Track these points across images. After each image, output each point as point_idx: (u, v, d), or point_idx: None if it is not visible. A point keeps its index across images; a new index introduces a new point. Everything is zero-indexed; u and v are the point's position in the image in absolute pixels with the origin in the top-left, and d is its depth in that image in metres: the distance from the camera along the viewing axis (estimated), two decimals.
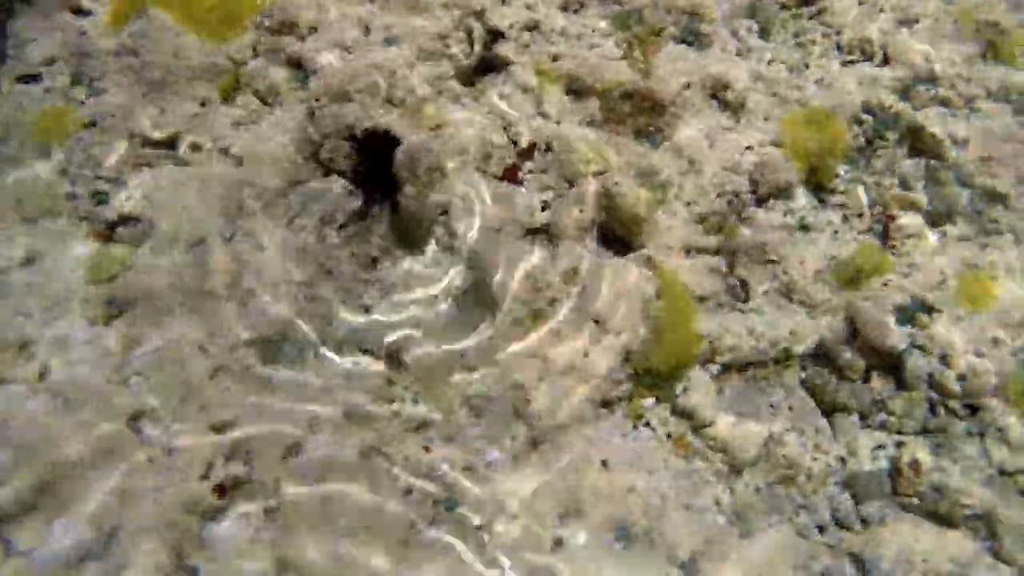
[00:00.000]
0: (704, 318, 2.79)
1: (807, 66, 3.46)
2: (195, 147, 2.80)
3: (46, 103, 2.83)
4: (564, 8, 3.33)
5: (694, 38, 3.35)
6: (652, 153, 3.03)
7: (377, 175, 2.86)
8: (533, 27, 3.17)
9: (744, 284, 3.00)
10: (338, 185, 2.87)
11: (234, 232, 2.75)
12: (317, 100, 2.89)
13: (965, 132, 3.31)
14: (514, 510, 2.35)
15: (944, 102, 3.36)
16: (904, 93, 3.36)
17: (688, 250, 2.88)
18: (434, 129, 2.89)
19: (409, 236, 2.85)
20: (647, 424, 2.70)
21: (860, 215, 3.19)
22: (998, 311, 2.96)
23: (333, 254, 2.81)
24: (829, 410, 2.92)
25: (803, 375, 2.96)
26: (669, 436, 2.68)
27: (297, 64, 3.00)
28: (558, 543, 2.32)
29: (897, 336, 2.90)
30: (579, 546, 2.29)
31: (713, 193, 2.99)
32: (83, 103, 2.88)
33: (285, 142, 2.86)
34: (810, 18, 3.60)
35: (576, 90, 3.07)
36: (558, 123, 2.99)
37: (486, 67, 3.12)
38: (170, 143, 2.81)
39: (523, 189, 2.87)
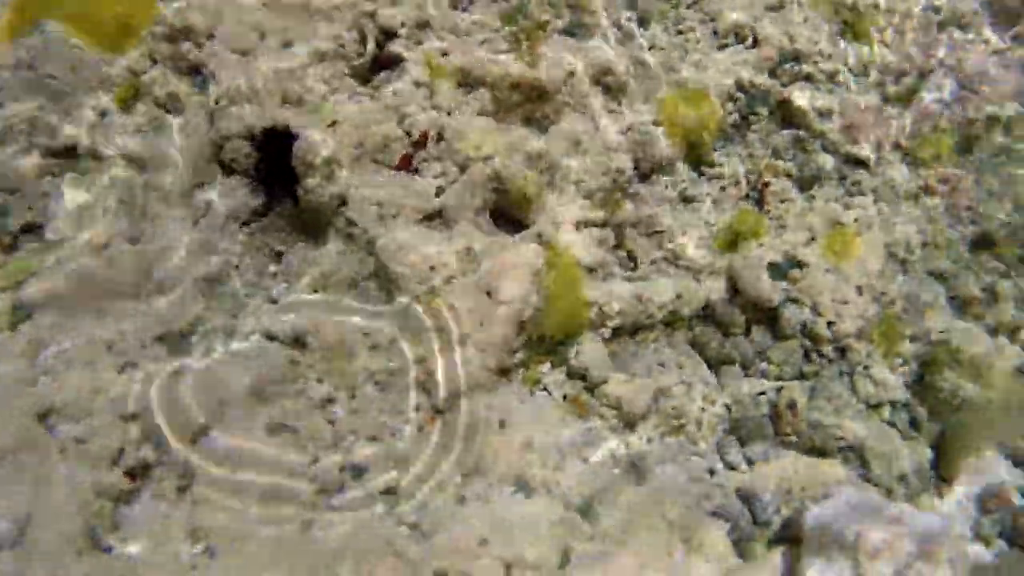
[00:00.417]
0: (594, 287, 3.00)
1: (686, 51, 3.71)
2: (96, 155, 2.91)
3: None
4: (454, 6, 3.51)
5: (577, 29, 3.57)
6: (540, 138, 3.23)
7: (278, 172, 3.00)
8: (424, 25, 3.35)
9: (632, 254, 3.23)
10: (240, 184, 3.00)
11: (140, 234, 2.87)
12: (217, 103, 3.02)
13: (828, 104, 3.59)
14: (419, 474, 2.52)
15: (808, 78, 3.64)
16: (772, 72, 3.63)
17: (577, 225, 3.09)
18: (331, 125, 3.04)
19: (311, 228, 3.00)
20: (544, 388, 2.90)
21: (736, 184, 3.45)
22: (860, 263, 3.23)
23: (238, 250, 2.95)
24: (715, 363, 3.16)
25: (691, 334, 3.19)
26: (565, 397, 2.88)
27: (195, 70, 3.12)
28: (461, 500, 2.49)
29: (773, 291, 3.16)
30: (481, 499, 2.47)
31: (598, 172, 3.20)
32: None
33: (187, 145, 2.99)
34: (688, 7, 3.85)
35: (467, 83, 3.25)
36: (450, 114, 3.17)
37: (380, 65, 3.28)
38: (71, 153, 2.91)
39: (418, 177, 3.04)
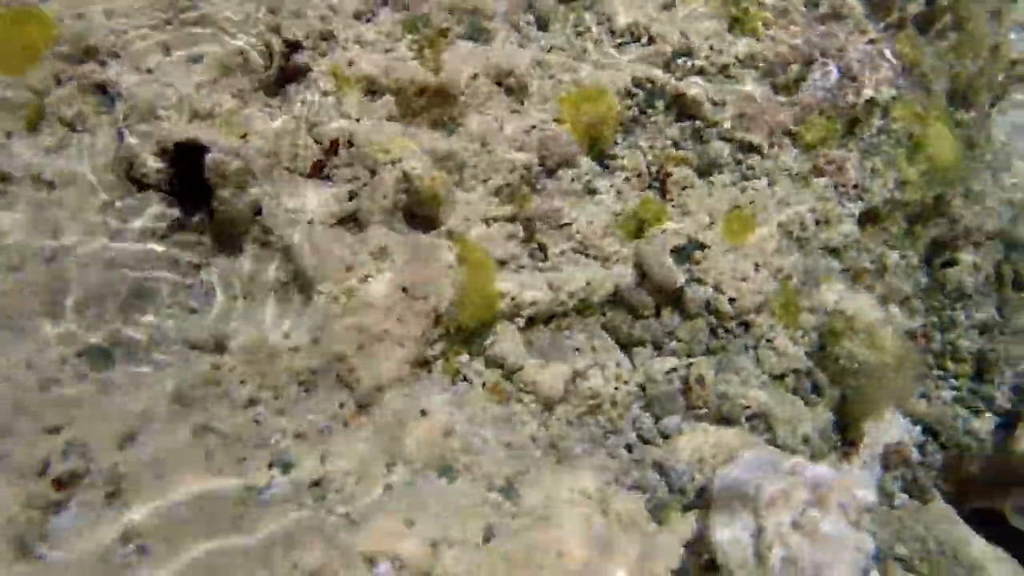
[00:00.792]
0: (506, 278, 3.14)
1: (585, 51, 3.89)
2: (5, 178, 2.92)
3: None
4: (357, 17, 3.62)
5: (478, 34, 3.71)
6: (447, 139, 3.36)
7: (191, 186, 3.06)
8: (328, 36, 3.45)
9: (542, 246, 3.37)
10: (154, 199, 3.04)
11: (54, 254, 2.89)
12: (125, 120, 3.06)
13: (721, 96, 3.81)
14: (345, 467, 2.61)
15: (701, 72, 3.86)
16: (667, 67, 3.84)
17: (487, 221, 3.22)
18: (242, 137, 3.11)
19: (228, 239, 3.06)
20: (464, 378, 3.01)
21: (639, 175, 3.63)
22: (758, 242, 3.45)
23: (156, 264, 2.99)
24: (627, 345, 3.32)
25: (603, 320, 3.35)
26: (485, 385, 3.00)
27: (102, 89, 3.15)
28: (388, 488, 2.59)
29: (677, 274, 3.34)
30: (406, 486, 2.57)
31: (505, 169, 3.34)
32: None
33: (97, 164, 3.02)
34: (585, 9, 4.04)
35: (373, 90, 3.35)
36: (358, 121, 3.28)
37: (287, 77, 3.36)
38: None
39: (330, 183, 3.13)
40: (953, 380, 4.46)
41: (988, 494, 3.81)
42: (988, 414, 4.34)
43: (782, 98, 3.95)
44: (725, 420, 3.21)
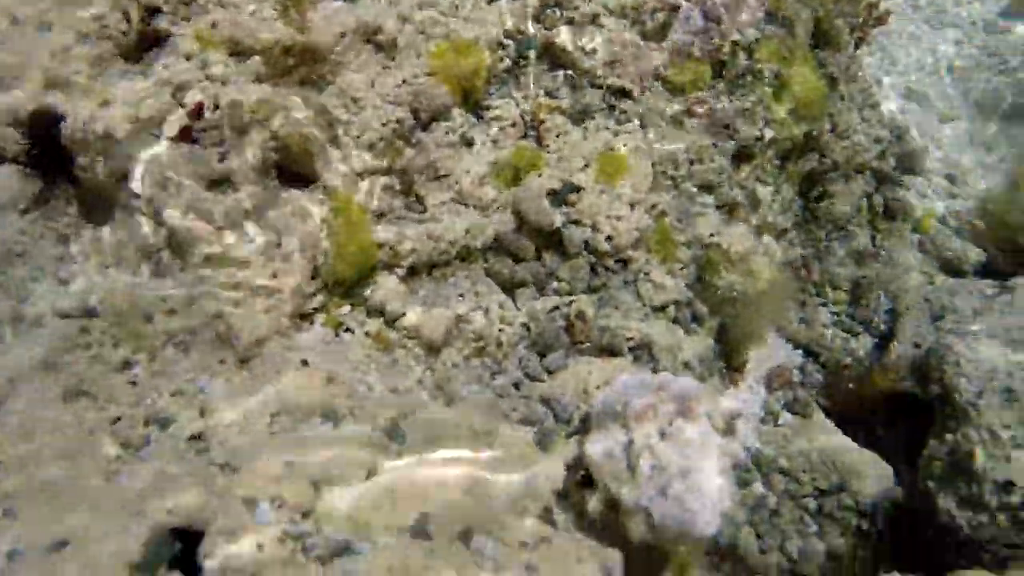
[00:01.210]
0: (383, 230, 3.18)
1: (456, 6, 3.93)
2: None
3: None
4: None
5: None
6: (318, 97, 3.36)
7: (52, 156, 2.99)
8: (189, 0, 3.40)
9: (420, 198, 3.42)
10: (13, 172, 2.97)
11: None
12: None
13: (592, 44, 3.90)
14: (228, 419, 2.63)
15: (571, 21, 3.94)
16: (537, 18, 3.91)
17: (361, 175, 3.25)
18: (103, 104, 3.06)
19: (95, 207, 3.02)
20: (347, 328, 3.05)
21: (514, 125, 3.70)
22: (632, 181, 3.56)
23: (20, 239, 2.93)
24: (510, 288, 3.41)
25: (485, 266, 3.43)
26: (368, 334, 3.04)
27: None
28: (271, 436, 2.62)
29: (554, 216, 3.43)
30: (289, 432, 2.60)
31: (378, 124, 3.37)
32: None
33: None
34: None
35: (238, 52, 3.33)
36: (224, 83, 3.25)
37: (149, 43, 3.31)
38: None
39: (199, 146, 3.11)
40: (832, 306, 4.70)
41: (863, 404, 4.06)
42: (865, 335, 4.60)
43: (651, 44, 4.06)
44: (608, 352, 3.32)
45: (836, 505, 3.71)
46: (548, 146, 3.69)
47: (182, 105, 3.13)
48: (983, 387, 3.53)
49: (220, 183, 3.12)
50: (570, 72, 3.86)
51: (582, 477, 2.51)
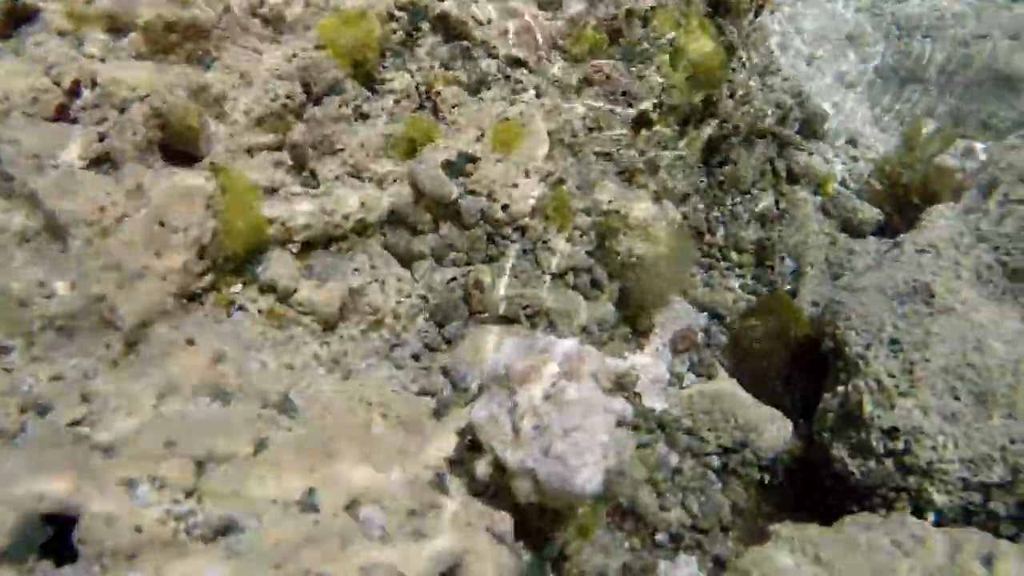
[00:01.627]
0: (275, 205, 3.14)
1: None
2: None
3: None
4: None
5: None
6: (204, 74, 3.29)
7: None
8: None
9: (314, 172, 3.39)
10: None
11: None
12: None
13: (486, 14, 3.89)
14: (112, 404, 2.58)
15: None
16: None
17: (250, 150, 3.20)
18: None
19: None
20: (240, 307, 3.02)
21: (409, 96, 3.68)
22: (527, 150, 3.58)
23: None
24: (408, 260, 3.41)
25: (383, 239, 3.42)
26: (261, 312, 3.02)
27: None
28: (156, 417, 2.58)
29: (450, 187, 3.43)
30: (174, 413, 2.57)
31: (267, 99, 3.32)
32: None
33: None
34: None
35: (117, 28, 3.24)
36: (103, 60, 3.16)
37: (18, 20, 3.19)
38: None
39: (76, 126, 3.02)
40: (738, 269, 4.82)
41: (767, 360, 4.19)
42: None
43: (547, 14, 4.07)
44: (506, 320, 3.35)
45: (740, 461, 3.84)
46: (444, 117, 3.69)
47: (57, 83, 3.04)
48: (871, 340, 3.67)
49: (100, 162, 3.04)
50: (465, 43, 3.85)
51: (469, 442, 2.54)
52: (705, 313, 4.41)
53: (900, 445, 3.40)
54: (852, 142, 5.68)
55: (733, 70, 4.75)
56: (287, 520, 2.32)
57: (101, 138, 3.03)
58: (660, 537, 3.40)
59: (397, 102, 3.64)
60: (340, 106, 3.49)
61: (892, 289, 3.89)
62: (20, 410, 2.46)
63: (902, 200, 4.97)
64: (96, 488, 2.19)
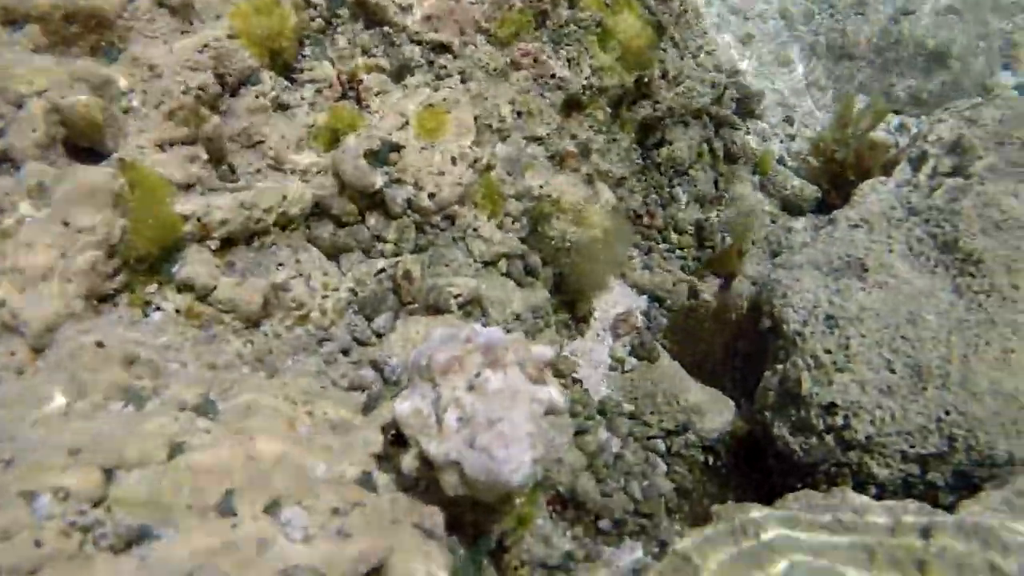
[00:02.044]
0: (189, 200, 3.02)
1: None
2: None
3: None
4: None
5: None
6: (109, 66, 3.15)
7: None
8: None
9: (232, 167, 3.27)
10: None
11: None
12: None
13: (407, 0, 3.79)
14: (17, 412, 2.45)
15: None
16: None
17: (161, 145, 3.07)
18: None
19: None
20: (157, 308, 2.90)
21: (331, 86, 3.58)
22: (453, 136, 3.51)
23: None
24: (334, 253, 3.31)
25: (307, 232, 3.32)
26: (179, 311, 2.90)
27: None
28: (63, 424, 2.46)
29: (374, 177, 3.34)
30: (82, 419, 2.45)
31: (177, 91, 3.19)
32: None
33: None
34: None
35: (11, 19, 3.08)
36: None
37: None
38: None
39: None
40: (679, 250, 4.80)
41: (706, 344, 4.18)
42: (710, 277, 4.72)
43: None
44: (436, 310, 3.28)
45: (684, 444, 3.82)
46: (368, 106, 3.60)
47: None
48: (807, 317, 3.67)
49: None
50: (387, 29, 3.75)
51: (393, 436, 2.46)
52: (645, 296, 4.39)
53: (839, 421, 3.41)
54: (788, 120, 5.70)
55: (664, 50, 4.72)
56: (204, 526, 2.22)
57: None
58: (603, 524, 3.36)
59: (319, 91, 3.54)
60: (257, 97, 3.37)
61: (827, 265, 3.90)
62: None
63: (838, 176, 5.00)
64: None
